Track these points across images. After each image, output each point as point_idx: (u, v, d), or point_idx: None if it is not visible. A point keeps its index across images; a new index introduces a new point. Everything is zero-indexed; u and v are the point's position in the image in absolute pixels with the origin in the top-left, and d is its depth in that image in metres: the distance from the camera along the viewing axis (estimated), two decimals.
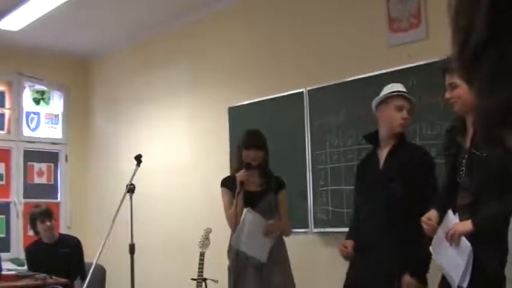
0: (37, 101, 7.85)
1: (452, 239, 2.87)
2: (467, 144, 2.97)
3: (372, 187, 3.55)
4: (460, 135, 3.04)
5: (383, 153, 3.55)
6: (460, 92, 3.00)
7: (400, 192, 3.39)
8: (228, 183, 4.40)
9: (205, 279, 4.71)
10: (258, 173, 4.34)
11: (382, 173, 3.52)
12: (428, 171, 3.44)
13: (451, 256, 2.91)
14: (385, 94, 3.60)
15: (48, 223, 5.34)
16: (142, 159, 4.74)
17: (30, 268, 5.38)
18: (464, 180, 2.97)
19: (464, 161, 2.98)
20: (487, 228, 2.79)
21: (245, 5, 5.91)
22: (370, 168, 3.62)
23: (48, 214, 5.40)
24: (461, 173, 3.00)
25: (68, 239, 5.61)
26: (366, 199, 3.60)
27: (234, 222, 4.25)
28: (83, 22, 6.65)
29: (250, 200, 4.25)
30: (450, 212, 2.96)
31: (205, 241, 4.76)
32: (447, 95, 3.07)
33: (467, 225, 2.84)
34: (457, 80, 3.01)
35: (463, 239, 2.84)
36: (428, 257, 3.16)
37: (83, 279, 4.79)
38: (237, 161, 4.39)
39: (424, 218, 3.03)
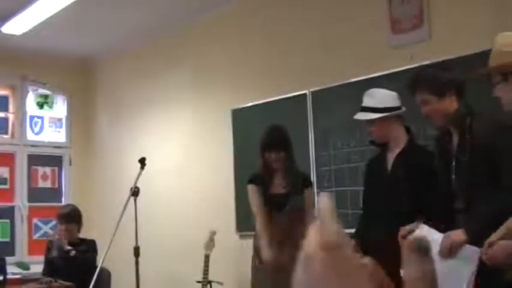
0: (41, 105, 7.86)
1: (453, 250, 2.82)
2: (455, 150, 2.99)
3: (380, 189, 3.54)
4: (448, 142, 3.05)
5: (391, 156, 3.55)
6: (435, 106, 3.01)
7: (408, 195, 3.38)
8: (255, 180, 4.16)
9: (210, 282, 4.71)
10: (282, 174, 4.13)
11: (391, 176, 3.51)
12: (436, 174, 3.43)
13: (450, 266, 2.83)
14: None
15: (62, 226, 5.34)
16: (146, 162, 4.74)
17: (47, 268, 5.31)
18: (455, 185, 2.98)
19: (453, 164, 2.99)
20: (482, 235, 2.74)
21: (247, 6, 5.92)
22: (379, 171, 3.61)
23: (66, 218, 5.39)
24: (452, 178, 3.01)
25: (86, 240, 5.57)
26: (374, 201, 3.59)
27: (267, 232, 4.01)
28: (86, 26, 6.66)
29: (275, 203, 4.09)
30: (424, 225, 2.95)
31: (210, 243, 4.77)
32: (423, 112, 3.07)
33: (461, 235, 2.82)
34: (427, 96, 3.01)
35: (468, 246, 2.81)
36: None
37: (91, 269, 4.78)
38: (260, 160, 4.15)
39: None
